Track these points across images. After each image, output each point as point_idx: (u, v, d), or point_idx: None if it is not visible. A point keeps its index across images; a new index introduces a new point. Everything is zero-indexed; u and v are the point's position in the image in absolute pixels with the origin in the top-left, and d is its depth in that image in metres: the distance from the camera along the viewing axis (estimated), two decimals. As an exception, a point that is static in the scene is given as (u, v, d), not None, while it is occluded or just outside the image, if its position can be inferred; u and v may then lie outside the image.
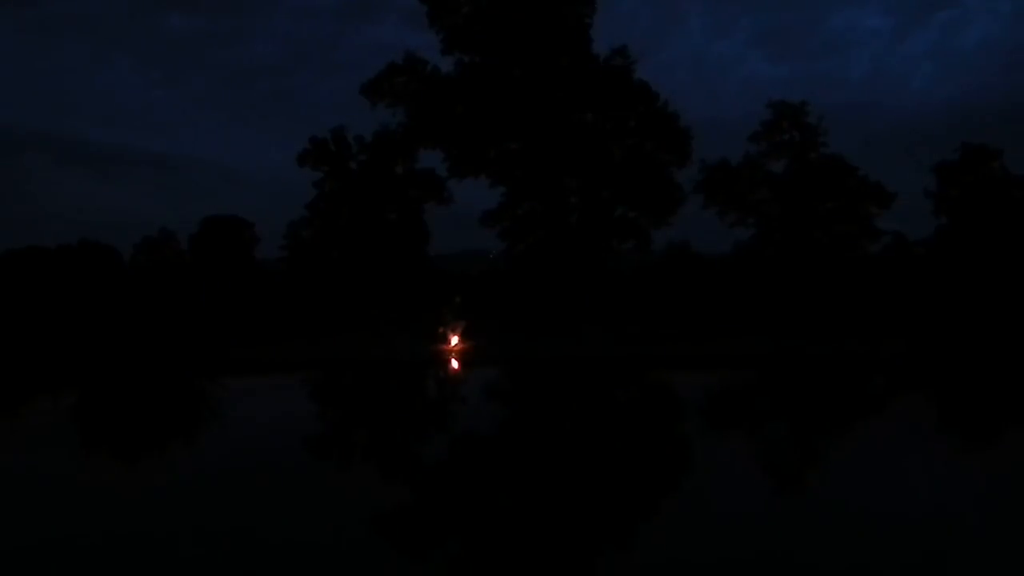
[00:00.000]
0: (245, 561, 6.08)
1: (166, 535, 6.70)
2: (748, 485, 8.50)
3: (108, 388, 15.49)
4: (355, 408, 14.69)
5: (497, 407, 14.93)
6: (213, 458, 10.00)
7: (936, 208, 36.70)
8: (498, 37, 32.25)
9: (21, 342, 18.26)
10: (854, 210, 35.10)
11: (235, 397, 14.35)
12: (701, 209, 35.13)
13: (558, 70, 32.44)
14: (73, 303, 22.75)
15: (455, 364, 18.91)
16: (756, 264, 34.29)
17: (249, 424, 12.14)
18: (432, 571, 6.13)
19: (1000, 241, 33.13)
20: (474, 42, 32.84)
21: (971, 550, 6.26)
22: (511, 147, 33.38)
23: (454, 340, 20.31)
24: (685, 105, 48.02)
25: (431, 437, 11.88)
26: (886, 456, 9.55)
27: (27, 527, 7.04)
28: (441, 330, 20.62)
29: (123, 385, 15.65)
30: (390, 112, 33.80)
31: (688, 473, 9.48)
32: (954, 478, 8.68)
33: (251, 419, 12.52)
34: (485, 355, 19.09)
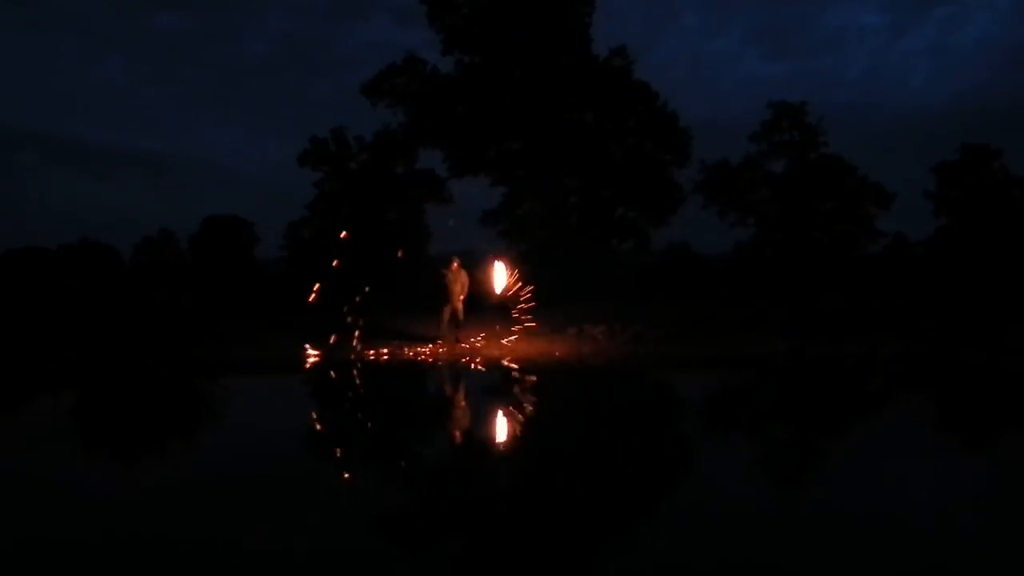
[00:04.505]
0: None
1: (163, 535, 6.71)
2: (751, 486, 8.49)
3: (107, 388, 15.49)
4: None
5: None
6: (201, 459, 10.02)
7: (936, 208, 36.83)
8: (498, 37, 32.32)
9: (21, 342, 18.27)
10: (854, 210, 35.23)
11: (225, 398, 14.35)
12: (701, 209, 35.31)
13: (558, 70, 32.51)
14: (73, 303, 22.75)
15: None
16: (756, 264, 34.35)
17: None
18: None
19: (1001, 241, 33.19)
20: (474, 42, 32.91)
21: (971, 551, 6.26)
22: (511, 147, 33.45)
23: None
24: (681, 104, 48.27)
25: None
26: (887, 456, 9.55)
27: (27, 527, 7.04)
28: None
29: (123, 385, 15.66)
30: (390, 112, 33.93)
31: (689, 473, 9.47)
32: (955, 479, 8.69)
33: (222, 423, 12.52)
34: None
